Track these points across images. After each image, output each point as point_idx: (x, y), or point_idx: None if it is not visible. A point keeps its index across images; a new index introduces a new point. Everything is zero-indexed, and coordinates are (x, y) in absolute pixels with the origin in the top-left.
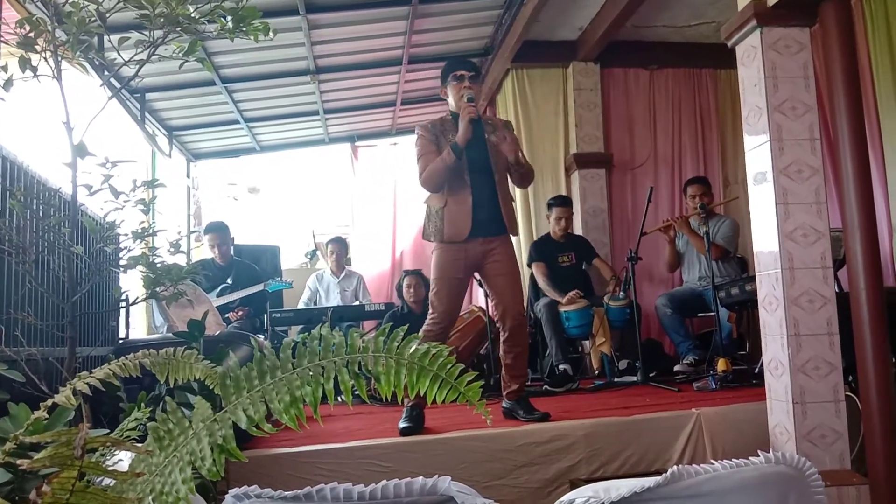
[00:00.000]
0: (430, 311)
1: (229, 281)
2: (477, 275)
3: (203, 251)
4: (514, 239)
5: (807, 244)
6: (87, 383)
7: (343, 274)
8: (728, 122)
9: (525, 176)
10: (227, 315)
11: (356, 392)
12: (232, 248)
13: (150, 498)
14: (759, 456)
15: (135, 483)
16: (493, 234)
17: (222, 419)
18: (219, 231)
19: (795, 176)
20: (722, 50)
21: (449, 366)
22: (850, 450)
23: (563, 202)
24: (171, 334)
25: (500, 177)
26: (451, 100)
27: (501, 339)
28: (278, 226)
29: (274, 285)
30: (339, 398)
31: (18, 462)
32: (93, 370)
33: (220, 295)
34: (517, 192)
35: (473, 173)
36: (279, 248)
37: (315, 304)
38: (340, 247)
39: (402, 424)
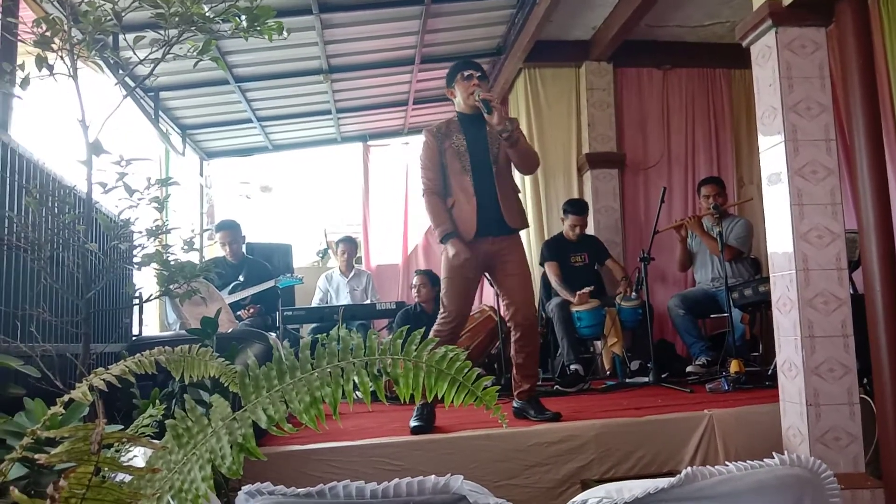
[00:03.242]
0: (441, 310)
1: (241, 278)
2: (487, 275)
3: (215, 249)
4: (524, 237)
5: (821, 245)
6: (104, 379)
7: (352, 273)
8: (742, 123)
9: (525, 156)
10: (238, 313)
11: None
12: (244, 246)
13: (168, 495)
14: (773, 458)
15: (152, 479)
16: (503, 234)
17: (242, 418)
18: (230, 229)
19: (810, 176)
20: (736, 50)
21: (466, 370)
22: (864, 453)
23: (579, 210)
24: (184, 331)
25: (500, 171)
26: (458, 99)
27: (513, 338)
28: (290, 224)
29: (284, 281)
30: (356, 394)
31: (36, 456)
32: (108, 366)
33: (231, 292)
34: (528, 189)
35: (476, 173)
36: (291, 247)
37: (327, 303)
38: (351, 247)
39: (413, 423)
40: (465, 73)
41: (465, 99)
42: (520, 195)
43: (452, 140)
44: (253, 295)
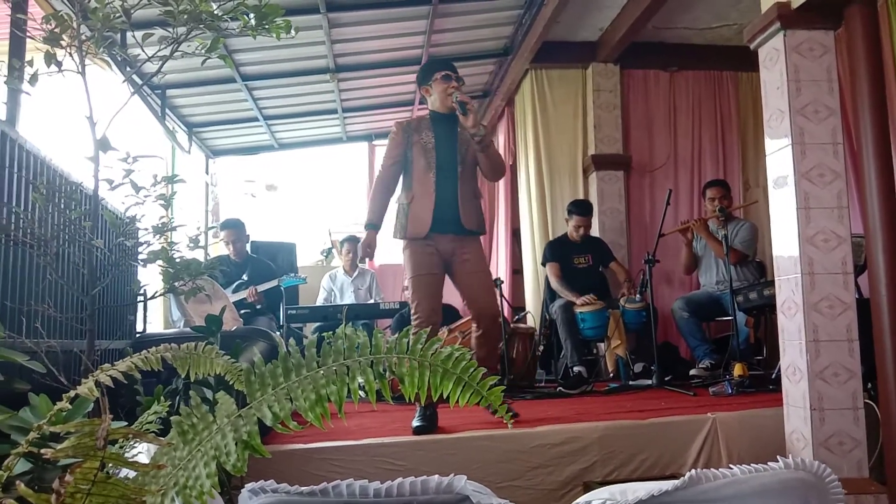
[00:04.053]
0: (413, 313)
1: (245, 277)
2: (447, 274)
3: (220, 248)
4: (528, 237)
5: (828, 249)
6: (110, 375)
7: (356, 273)
8: (749, 126)
9: (494, 163)
10: (242, 311)
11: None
12: (248, 245)
13: (173, 491)
14: (777, 461)
15: (157, 475)
16: (462, 233)
17: (248, 415)
18: (234, 228)
19: (817, 180)
20: (743, 52)
21: (472, 369)
22: (868, 458)
23: (584, 211)
24: (188, 329)
25: (464, 173)
26: (433, 97)
27: (474, 335)
28: (295, 223)
29: (288, 281)
30: (361, 392)
31: (42, 451)
32: (114, 363)
33: (235, 291)
34: (533, 190)
35: (440, 171)
36: (295, 246)
37: (331, 303)
38: (355, 246)
39: (415, 423)
40: (443, 74)
41: (441, 99)
42: (481, 201)
43: (421, 136)
44: None
